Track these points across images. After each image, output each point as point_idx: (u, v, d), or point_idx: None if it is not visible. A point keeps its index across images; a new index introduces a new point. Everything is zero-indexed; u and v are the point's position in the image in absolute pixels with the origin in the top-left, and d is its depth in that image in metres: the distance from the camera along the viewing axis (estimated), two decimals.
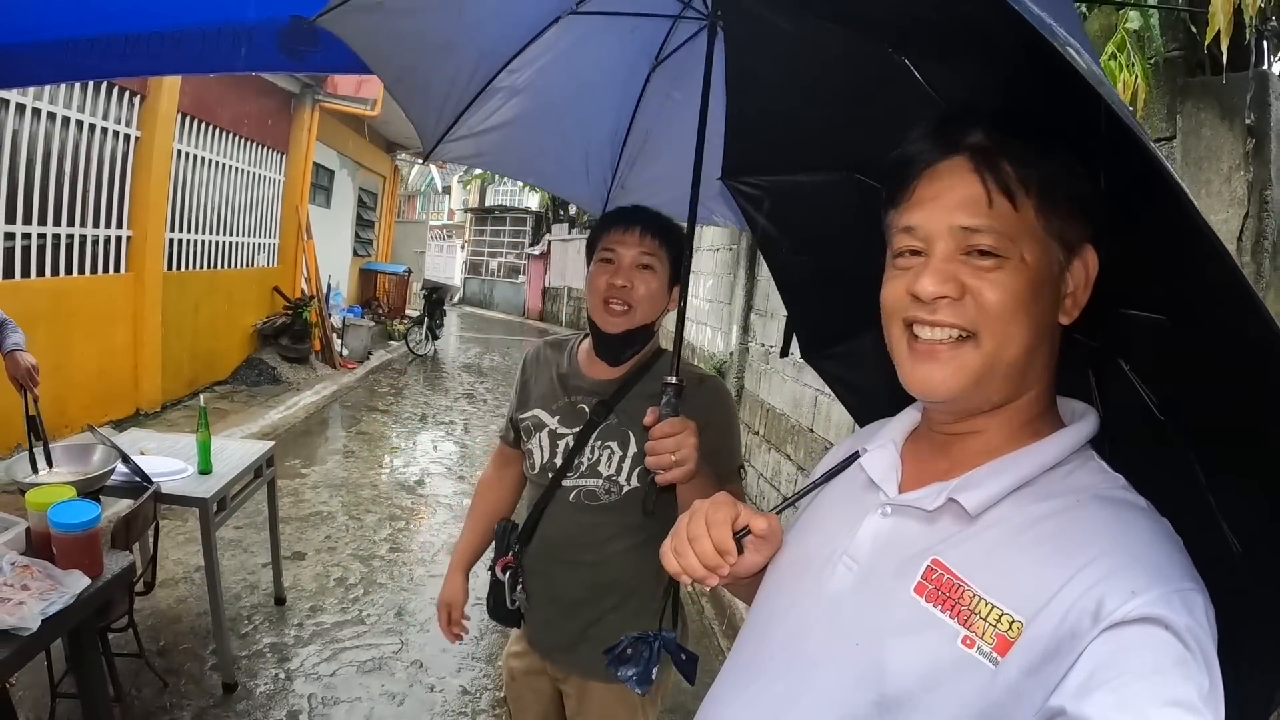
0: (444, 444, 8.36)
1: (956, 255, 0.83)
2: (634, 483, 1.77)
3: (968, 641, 0.76)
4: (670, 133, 2.16)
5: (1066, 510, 0.80)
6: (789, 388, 5.76)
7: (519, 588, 1.90)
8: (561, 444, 1.85)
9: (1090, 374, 1.00)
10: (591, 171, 2.37)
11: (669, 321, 1.75)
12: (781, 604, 0.98)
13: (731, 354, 7.19)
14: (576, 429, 1.83)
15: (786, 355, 1.61)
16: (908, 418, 1.03)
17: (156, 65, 2.96)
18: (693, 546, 0.96)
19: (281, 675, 3.56)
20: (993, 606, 0.76)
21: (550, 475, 1.84)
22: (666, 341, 1.84)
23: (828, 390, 5.06)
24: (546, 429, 1.88)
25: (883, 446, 1.00)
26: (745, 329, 6.99)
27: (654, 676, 1.49)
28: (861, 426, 1.34)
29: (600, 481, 1.80)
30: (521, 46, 2.04)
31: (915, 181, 0.87)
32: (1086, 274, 0.84)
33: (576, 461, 1.82)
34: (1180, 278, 0.75)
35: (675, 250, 1.80)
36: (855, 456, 1.02)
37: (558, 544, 1.86)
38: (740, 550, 0.97)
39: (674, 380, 1.50)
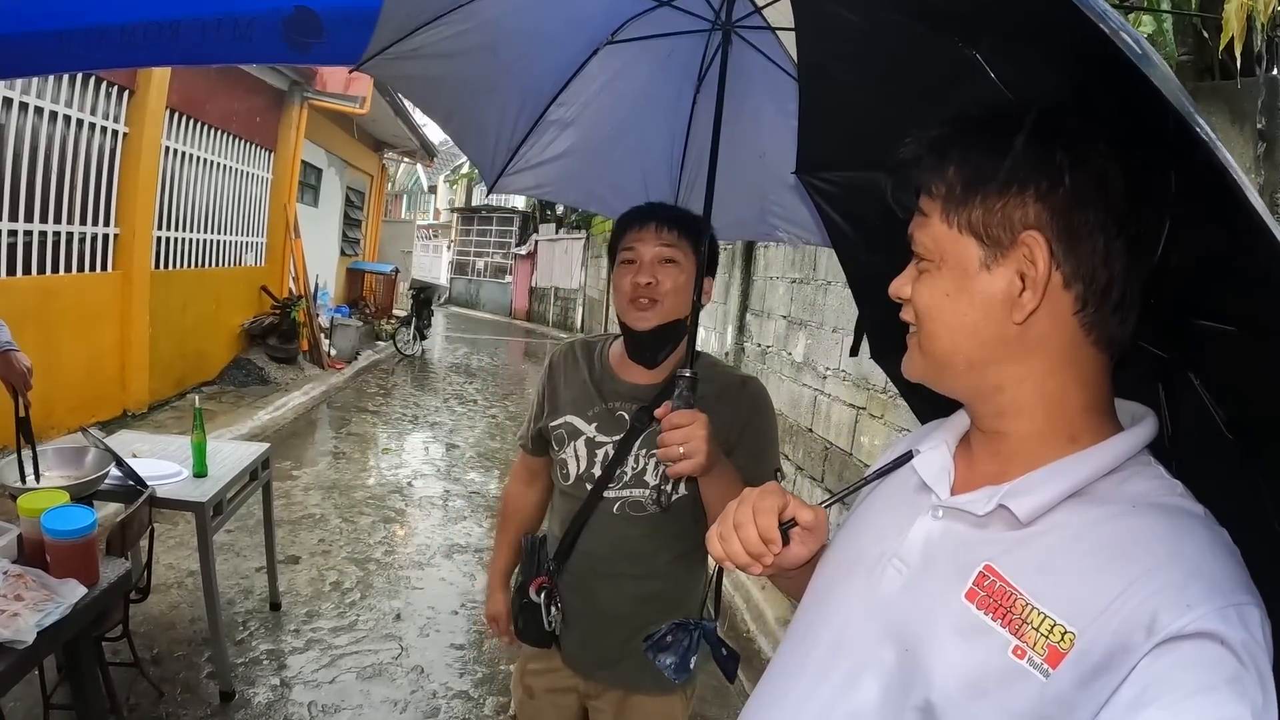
0: (435, 445, 8.28)
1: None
2: (681, 490, 1.68)
3: (1019, 652, 0.75)
4: (727, 154, 2.18)
5: (1121, 518, 0.78)
6: (787, 387, 5.73)
7: (554, 607, 1.81)
8: (600, 453, 1.77)
9: (1160, 387, 0.98)
10: (652, 197, 2.34)
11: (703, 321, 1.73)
12: (829, 605, 0.97)
13: (726, 354, 7.16)
14: (617, 437, 1.76)
15: (856, 354, 1.61)
16: (961, 419, 1.00)
17: (154, 57, 2.87)
18: (738, 533, 0.97)
19: (279, 683, 3.48)
20: (1045, 616, 0.74)
21: (589, 486, 1.77)
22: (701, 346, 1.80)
23: (827, 390, 5.08)
24: (583, 436, 1.80)
25: (935, 448, 0.98)
26: (741, 329, 6.97)
27: (692, 666, 1.48)
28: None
29: (647, 491, 1.74)
30: (566, 80, 2.13)
31: None
32: (1034, 264, 0.80)
33: (619, 471, 1.75)
34: (1248, 285, 0.74)
35: (698, 240, 1.73)
36: (908, 456, 1.01)
37: (601, 558, 1.79)
38: (786, 541, 0.98)
39: (687, 373, 1.51)
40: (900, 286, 0.91)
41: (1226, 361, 0.86)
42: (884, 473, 1.05)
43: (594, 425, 1.79)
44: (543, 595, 1.80)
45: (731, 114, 1.81)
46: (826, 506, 1.05)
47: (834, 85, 1.33)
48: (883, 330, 1.54)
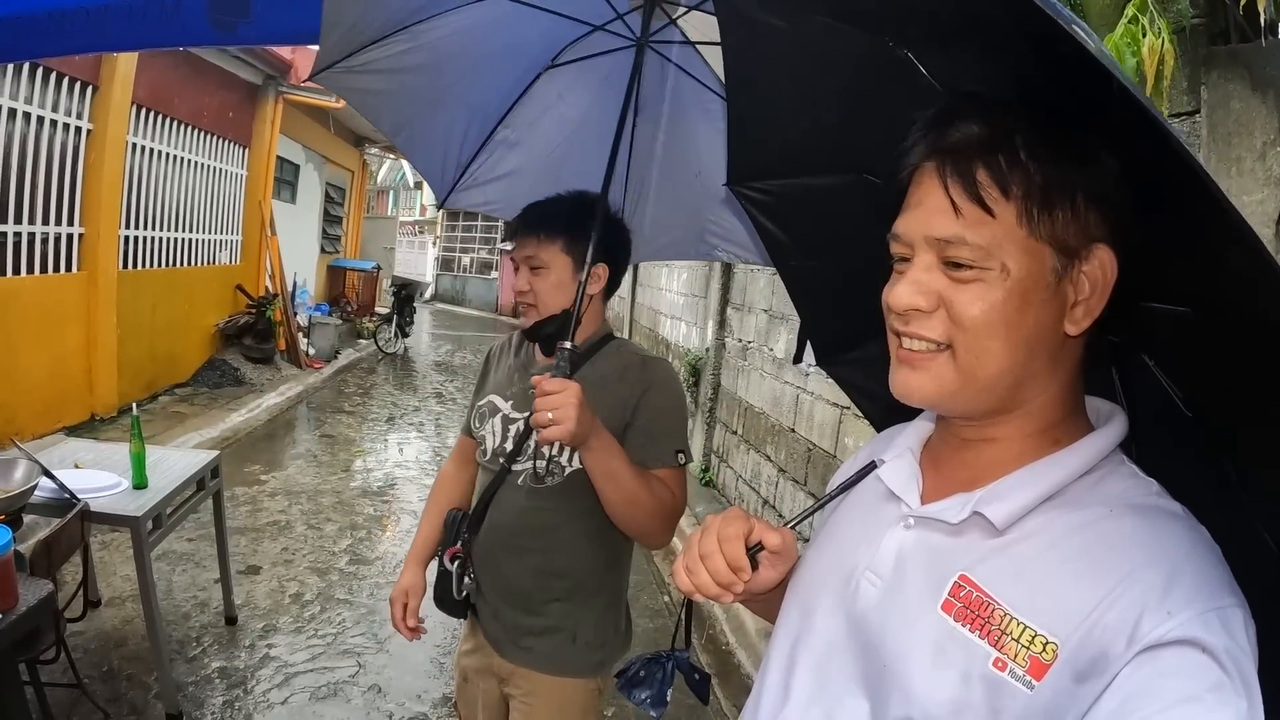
0: (410, 446, 8.11)
1: (936, 265, 0.80)
2: (576, 464, 1.75)
3: (999, 664, 0.73)
4: (664, 174, 2.30)
5: (1099, 522, 0.76)
6: (769, 385, 5.59)
7: (467, 577, 1.88)
8: (513, 429, 1.86)
9: (1113, 371, 0.97)
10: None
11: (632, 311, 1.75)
12: (807, 625, 0.95)
13: (707, 350, 7.03)
14: (528, 413, 1.78)
15: (799, 363, 1.59)
16: (923, 424, 0.99)
17: (84, 43, 2.75)
18: (705, 563, 0.93)
19: (229, 703, 3.32)
20: (1025, 627, 0.73)
21: (501, 460, 1.84)
22: (634, 333, 1.78)
23: (810, 388, 4.94)
24: (500, 414, 1.90)
25: (900, 456, 0.96)
26: (721, 324, 6.83)
27: (668, 698, 1.45)
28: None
29: (543, 462, 1.79)
30: (512, 102, 2.26)
31: (907, 184, 0.84)
32: (1103, 278, 0.78)
33: (525, 445, 1.82)
34: (1203, 266, 0.73)
35: (566, 232, 1.80)
36: (872, 467, 0.99)
37: (506, 531, 1.84)
38: (754, 566, 0.94)
39: (568, 345, 1.59)
40: (915, 297, 0.80)
41: (1182, 342, 0.84)
42: (848, 486, 1.02)
43: (510, 403, 1.90)
44: (455, 564, 1.87)
45: (667, 135, 1.95)
46: (792, 526, 1.01)
47: (762, 93, 1.30)
48: (829, 337, 1.51)
